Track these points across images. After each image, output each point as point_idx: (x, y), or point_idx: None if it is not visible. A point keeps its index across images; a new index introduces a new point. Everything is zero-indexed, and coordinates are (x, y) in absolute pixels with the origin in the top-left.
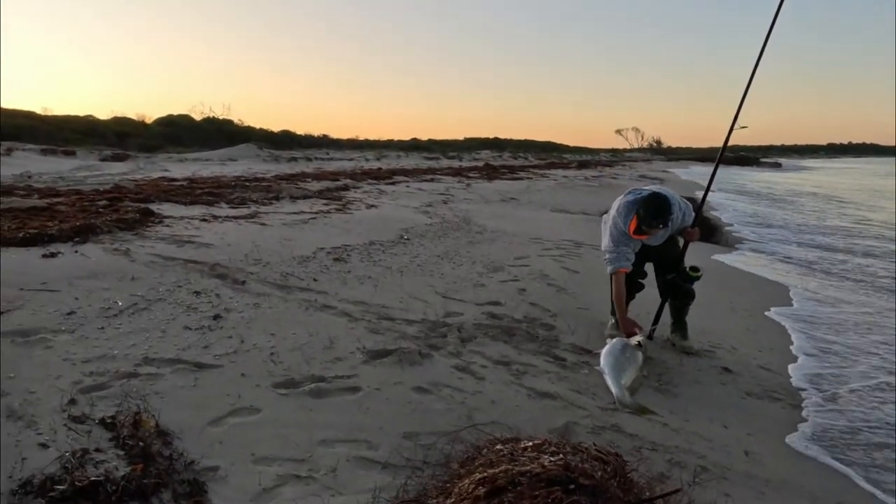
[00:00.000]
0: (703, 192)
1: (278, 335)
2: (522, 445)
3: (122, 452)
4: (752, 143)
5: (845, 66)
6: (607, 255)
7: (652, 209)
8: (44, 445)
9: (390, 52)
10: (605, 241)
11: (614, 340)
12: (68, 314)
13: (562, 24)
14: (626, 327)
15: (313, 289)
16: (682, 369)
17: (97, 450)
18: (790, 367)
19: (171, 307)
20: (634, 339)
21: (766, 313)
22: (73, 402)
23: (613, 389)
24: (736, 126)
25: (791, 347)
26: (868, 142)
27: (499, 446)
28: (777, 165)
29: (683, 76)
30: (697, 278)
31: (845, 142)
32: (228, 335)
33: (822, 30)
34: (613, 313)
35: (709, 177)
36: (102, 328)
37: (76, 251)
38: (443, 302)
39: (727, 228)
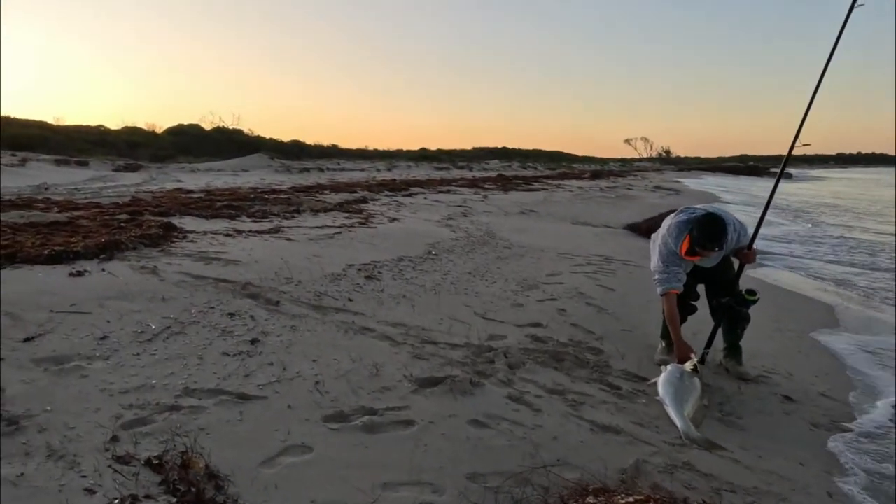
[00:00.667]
0: (712, 203)
1: (321, 361)
2: (621, 502)
3: (173, 499)
4: (760, 153)
5: (855, 74)
6: (657, 276)
7: (707, 231)
8: (90, 490)
9: (396, 62)
10: (655, 261)
11: (670, 367)
12: (101, 339)
13: (567, 34)
14: (680, 351)
15: (350, 309)
16: (741, 398)
17: (147, 496)
18: (851, 394)
19: (205, 331)
20: (689, 365)
21: (813, 335)
22: (115, 439)
23: (678, 423)
24: (798, 143)
25: (847, 372)
26: (877, 151)
27: (590, 499)
28: (787, 175)
29: (691, 86)
30: (754, 302)
31: (854, 152)
32: (269, 362)
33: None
34: (664, 336)
35: (721, 187)
36: (138, 354)
37: (103, 269)
38: (483, 324)
39: None
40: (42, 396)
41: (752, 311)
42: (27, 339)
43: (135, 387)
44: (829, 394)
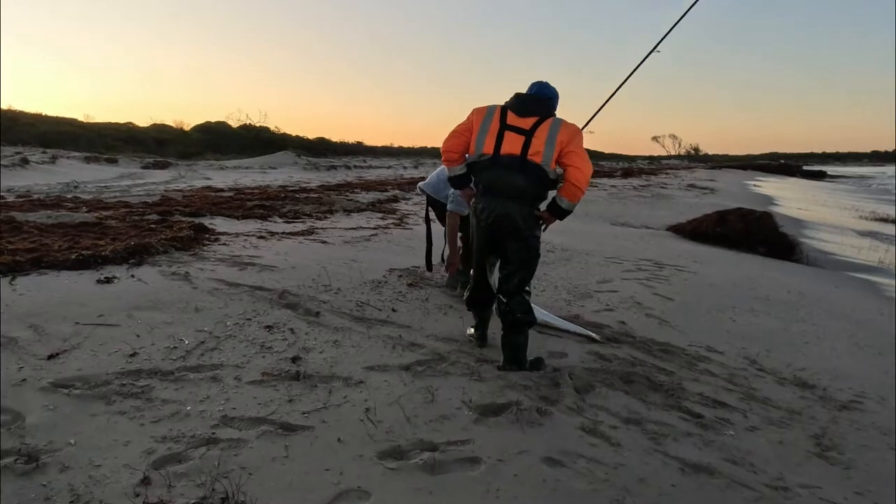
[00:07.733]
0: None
1: (369, 383)
2: None
3: None
4: (791, 151)
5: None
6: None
7: None
8: None
9: (418, 59)
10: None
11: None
12: (131, 356)
13: (591, 32)
14: (456, 257)
15: (395, 321)
16: (838, 428)
17: None
18: None
19: (243, 346)
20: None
21: None
22: (146, 481)
23: (579, 330)
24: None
25: None
26: None
27: None
28: (821, 175)
29: (719, 83)
30: None
31: (890, 149)
32: (313, 384)
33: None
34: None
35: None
36: (170, 373)
37: (132, 276)
38: (540, 338)
39: (805, 243)
40: (66, 426)
41: (821, 321)
42: (51, 357)
43: (167, 415)
44: None
